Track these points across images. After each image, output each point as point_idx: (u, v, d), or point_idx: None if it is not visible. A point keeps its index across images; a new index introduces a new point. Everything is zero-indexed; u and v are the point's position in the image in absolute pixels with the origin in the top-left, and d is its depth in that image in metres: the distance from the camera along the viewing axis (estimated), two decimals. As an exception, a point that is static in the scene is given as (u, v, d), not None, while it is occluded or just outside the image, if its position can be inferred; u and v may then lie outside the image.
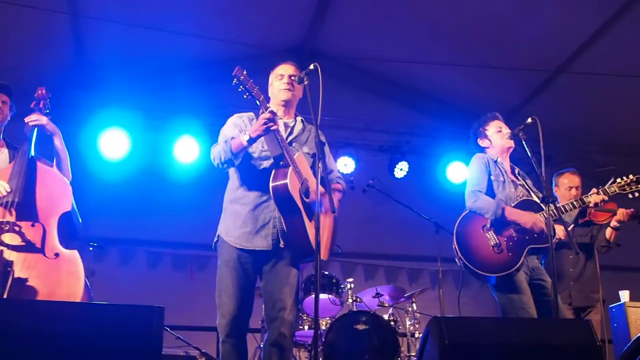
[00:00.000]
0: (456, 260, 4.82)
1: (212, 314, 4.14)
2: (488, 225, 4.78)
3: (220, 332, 4.04)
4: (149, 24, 7.39)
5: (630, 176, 5.01)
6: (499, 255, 4.69)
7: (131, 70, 8.05)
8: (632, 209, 5.77)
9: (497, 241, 4.72)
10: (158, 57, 7.98)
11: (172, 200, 8.22)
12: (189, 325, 7.35)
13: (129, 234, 8.54)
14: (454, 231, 4.87)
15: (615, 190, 4.98)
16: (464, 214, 4.90)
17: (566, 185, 5.99)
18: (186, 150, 8.30)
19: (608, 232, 5.91)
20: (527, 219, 4.72)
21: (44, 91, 4.46)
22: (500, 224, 4.77)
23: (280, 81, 4.31)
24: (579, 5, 7.11)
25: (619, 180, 5.02)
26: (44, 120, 4.28)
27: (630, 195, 5.01)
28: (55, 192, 4.16)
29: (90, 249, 6.80)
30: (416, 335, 6.74)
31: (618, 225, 5.81)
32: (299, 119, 4.41)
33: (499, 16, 7.45)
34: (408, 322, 6.89)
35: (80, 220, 4.33)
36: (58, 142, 4.36)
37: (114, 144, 8.11)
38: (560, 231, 5.13)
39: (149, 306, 3.00)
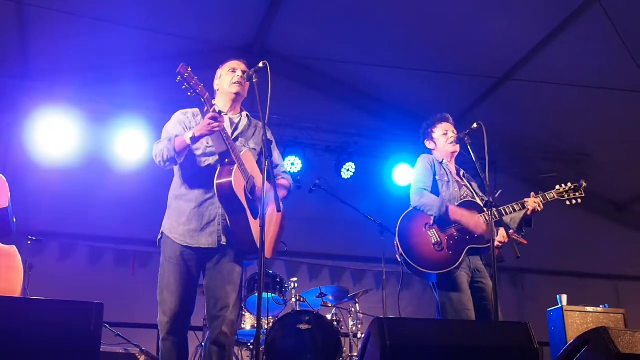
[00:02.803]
0: (397, 256, 4.86)
1: (153, 311, 4.09)
2: (431, 223, 4.84)
3: (160, 329, 3.99)
4: (95, 15, 7.25)
5: (569, 184, 5.11)
6: (440, 253, 4.75)
7: (76, 62, 7.88)
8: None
9: (439, 239, 4.78)
10: (104, 49, 7.82)
11: (115, 194, 8.06)
12: (129, 322, 7.24)
13: (70, 228, 8.36)
14: (397, 228, 4.90)
15: (554, 197, 5.07)
16: (407, 211, 4.94)
17: None
18: (131, 145, 8.15)
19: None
20: (469, 220, 4.79)
21: None
22: (443, 222, 4.82)
23: (234, 74, 4.28)
24: (526, 14, 7.24)
25: (557, 187, 5.13)
26: None
27: (567, 203, 5.11)
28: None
29: (29, 242, 6.64)
30: (358, 336, 6.77)
31: (500, 245, 5.85)
32: (244, 114, 4.39)
33: (449, 21, 7.54)
34: (351, 323, 6.92)
35: (14, 219, 4.21)
36: None
37: (57, 135, 7.91)
38: (500, 235, 5.17)
39: (88, 302, 2.96)
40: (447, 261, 4.72)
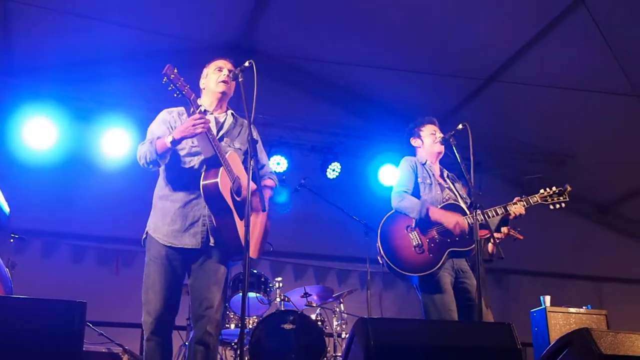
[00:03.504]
0: (378, 258, 4.87)
1: (137, 311, 4.07)
2: (412, 226, 4.85)
3: (145, 329, 3.97)
4: (80, 12, 7.20)
5: (553, 188, 5.12)
6: (421, 256, 4.76)
7: (60, 59, 7.83)
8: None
9: (420, 242, 4.79)
10: (89, 46, 7.76)
11: (99, 193, 8.01)
12: (113, 321, 7.19)
13: (53, 226, 8.29)
14: (378, 230, 4.91)
15: (538, 201, 5.08)
16: (389, 213, 4.95)
17: None
18: (115, 143, 8.10)
19: (490, 246, 5.99)
20: (450, 219, 4.79)
21: None
22: (424, 224, 4.83)
23: (220, 73, 4.27)
24: (513, 16, 7.28)
25: (542, 191, 5.13)
26: None
27: (551, 207, 5.12)
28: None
29: (11, 240, 6.58)
30: (343, 336, 6.77)
31: (499, 240, 5.86)
32: (229, 112, 4.37)
33: (436, 23, 7.56)
34: (335, 323, 6.92)
35: (7, 210, 4.17)
36: None
37: (40, 133, 7.84)
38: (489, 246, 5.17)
39: (71, 301, 2.93)
40: (427, 263, 4.73)
